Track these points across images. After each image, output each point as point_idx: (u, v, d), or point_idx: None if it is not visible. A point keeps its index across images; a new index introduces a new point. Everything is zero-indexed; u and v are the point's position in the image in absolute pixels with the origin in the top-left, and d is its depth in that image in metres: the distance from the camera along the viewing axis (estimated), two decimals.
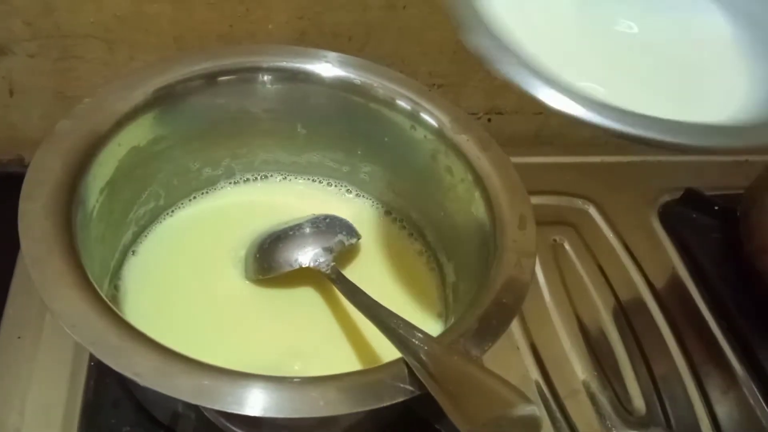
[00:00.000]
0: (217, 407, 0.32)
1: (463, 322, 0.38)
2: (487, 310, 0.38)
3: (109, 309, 0.34)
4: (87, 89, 0.61)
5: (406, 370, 0.34)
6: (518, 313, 0.52)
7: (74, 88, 0.61)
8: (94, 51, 0.59)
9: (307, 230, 0.49)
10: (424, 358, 0.34)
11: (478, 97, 0.71)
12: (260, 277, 0.47)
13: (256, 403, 0.32)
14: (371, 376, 0.34)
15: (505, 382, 0.32)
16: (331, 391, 0.33)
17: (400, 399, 0.33)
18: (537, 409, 0.30)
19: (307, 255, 0.47)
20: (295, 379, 0.34)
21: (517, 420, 0.30)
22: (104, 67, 0.60)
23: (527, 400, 0.30)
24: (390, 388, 0.34)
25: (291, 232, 0.49)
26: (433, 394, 0.32)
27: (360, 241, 0.50)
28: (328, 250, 0.47)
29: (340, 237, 0.48)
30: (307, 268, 0.47)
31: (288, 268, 0.47)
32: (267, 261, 0.47)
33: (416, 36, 0.64)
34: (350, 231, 0.49)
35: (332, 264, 0.46)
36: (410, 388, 0.33)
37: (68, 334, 0.47)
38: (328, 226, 0.49)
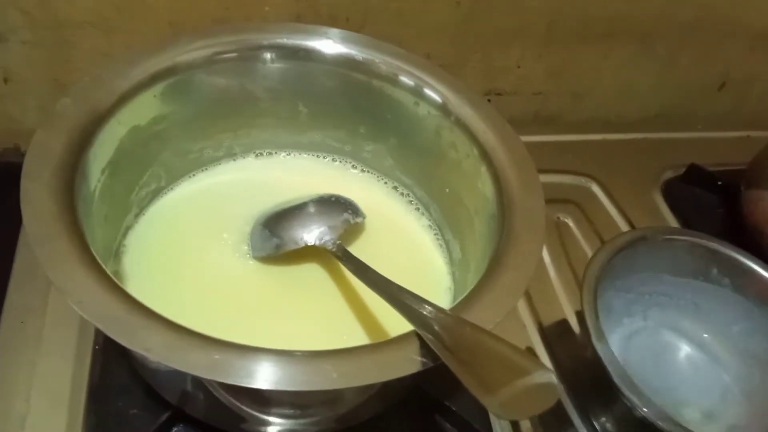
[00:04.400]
0: (230, 381, 0.31)
1: (473, 294, 0.37)
2: (497, 283, 0.38)
3: (116, 285, 0.33)
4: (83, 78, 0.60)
5: (419, 342, 0.34)
6: (525, 290, 0.52)
7: (71, 76, 0.60)
8: (90, 39, 0.58)
9: (312, 209, 0.48)
10: (436, 329, 0.33)
11: (476, 79, 0.71)
12: (264, 255, 0.47)
13: (269, 376, 0.31)
14: (384, 348, 0.34)
15: (521, 351, 0.31)
16: (344, 364, 0.33)
17: (415, 370, 0.33)
18: (554, 377, 0.29)
19: (312, 233, 0.46)
20: (307, 352, 0.33)
21: (534, 387, 0.29)
22: (101, 56, 0.59)
23: (544, 368, 0.30)
24: (404, 360, 0.33)
25: (296, 211, 0.48)
26: (448, 364, 0.31)
27: (367, 217, 0.49)
28: (333, 228, 0.47)
29: (345, 215, 0.48)
30: (313, 247, 0.46)
31: (293, 246, 0.46)
32: (271, 239, 0.47)
33: (414, 17, 0.64)
34: (355, 210, 0.49)
35: (338, 242, 0.46)
36: (424, 359, 0.33)
37: (72, 318, 0.47)
38: (333, 204, 0.48)
